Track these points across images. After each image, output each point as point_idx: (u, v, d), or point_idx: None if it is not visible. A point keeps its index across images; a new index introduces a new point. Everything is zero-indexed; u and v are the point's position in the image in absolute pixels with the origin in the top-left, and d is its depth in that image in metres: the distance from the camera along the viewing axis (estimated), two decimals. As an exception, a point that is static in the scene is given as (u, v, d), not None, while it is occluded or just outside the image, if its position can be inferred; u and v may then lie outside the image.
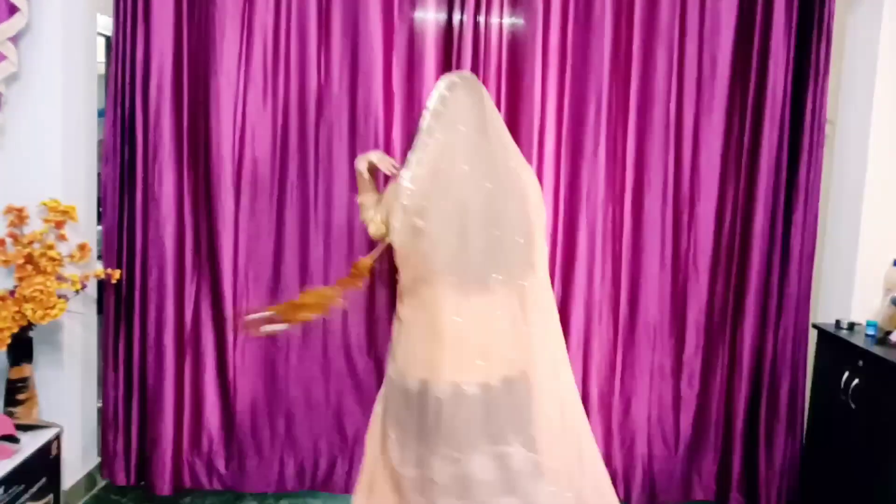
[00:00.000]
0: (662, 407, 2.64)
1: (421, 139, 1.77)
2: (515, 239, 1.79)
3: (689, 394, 2.64)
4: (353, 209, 2.47)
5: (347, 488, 2.52)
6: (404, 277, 1.83)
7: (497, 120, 1.88)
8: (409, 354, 1.80)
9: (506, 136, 1.88)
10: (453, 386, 1.72)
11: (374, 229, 1.94)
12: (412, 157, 1.76)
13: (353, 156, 2.47)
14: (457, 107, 1.76)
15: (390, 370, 1.88)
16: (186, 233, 2.50)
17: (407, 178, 1.76)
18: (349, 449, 2.56)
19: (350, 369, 2.55)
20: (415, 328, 1.80)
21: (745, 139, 2.53)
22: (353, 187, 2.43)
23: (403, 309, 1.84)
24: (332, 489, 2.56)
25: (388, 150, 2.46)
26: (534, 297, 1.84)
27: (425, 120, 1.78)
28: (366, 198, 2.01)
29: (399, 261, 1.81)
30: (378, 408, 1.95)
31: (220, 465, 2.56)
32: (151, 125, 2.43)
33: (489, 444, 1.74)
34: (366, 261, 1.95)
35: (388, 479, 1.87)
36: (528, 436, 1.78)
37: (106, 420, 2.55)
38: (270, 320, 1.92)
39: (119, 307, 2.51)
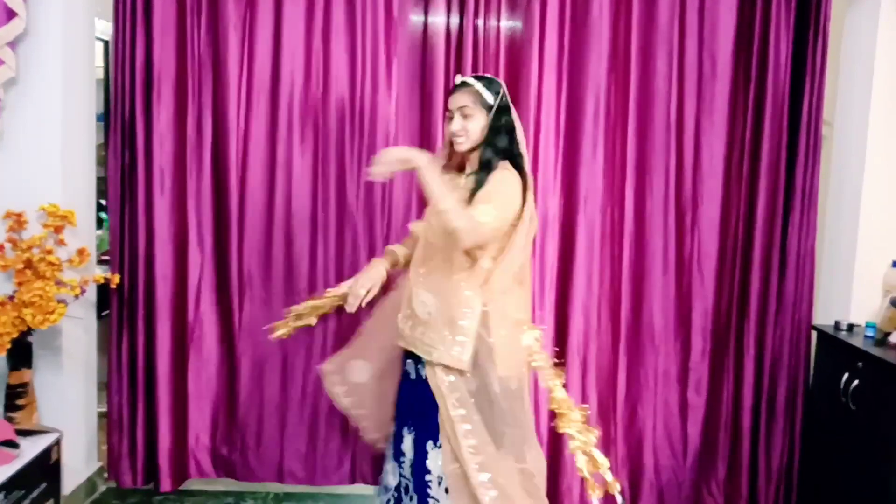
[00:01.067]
0: (669, 415, 2.62)
1: (523, 146, 1.87)
2: None
3: (697, 401, 2.61)
4: (354, 208, 2.50)
5: (353, 480, 2.60)
6: (512, 272, 1.83)
7: None
8: (515, 354, 1.83)
9: None
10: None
11: (494, 228, 1.76)
12: (522, 162, 1.84)
13: (354, 156, 2.50)
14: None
15: (491, 371, 1.80)
16: (190, 236, 2.50)
17: (530, 184, 1.85)
18: (351, 443, 2.56)
19: None
20: (517, 329, 1.85)
21: (747, 140, 2.52)
22: (364, 186, 2.49)
23: (507, 307, 1.82)
24: (338, 482, 2.59)
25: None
26: None
27: (517, 128, 1.86)
28: (452, 200, 1.71)
29: (514, 254, 1.81)
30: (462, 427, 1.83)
31: (224, 457, 2.58)
32: (154, 128, 2.43)
33: None
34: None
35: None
36: None
37: (111, 422, 2.56)
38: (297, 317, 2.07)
39: (122, 310, 2.51)
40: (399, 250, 2.03)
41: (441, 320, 1.79)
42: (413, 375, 1.90)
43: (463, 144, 1.82)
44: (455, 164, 1.94)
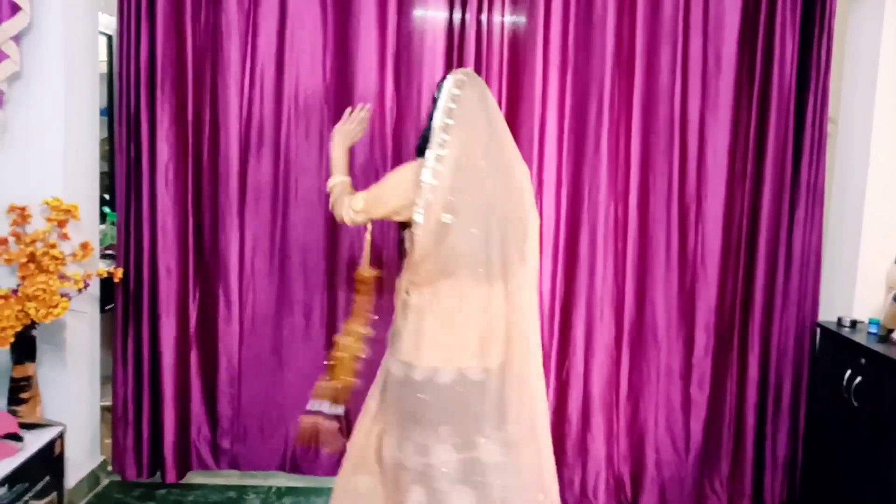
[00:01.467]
0: (671, 411, 2.61)
1: (437, 136, 1.79)
2: (517, 232, 1.87)
3: (700, 397, 2.60)
4: None
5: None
6: (422, 270, 1.83)
7: (499, 114, 1.93)
8: (422, 344, 1.81)
9: (506, 129, 1.94)
10: (459, 372, 1.79)
11: (355, 216, 1.88)
12: (429, 153, 1.78)
13: (357, 151, 2.46)
14: (469, 104, 1.81)
15: (394, 363, 1.86)
16: (191, 230, 2.50)
17: (429, 175, 1.77)
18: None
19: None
20: (428, 318, 1.81)
21: (751, 136, 2.52)
22: (369, 179, 2.43)
23: (412, 299, 1.84)
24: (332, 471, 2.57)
25: (390, 146, 2.49)
26: (520, 288, 1.90)
27: (438, 118, 1.80)
28: (342, 181, 1.97)
29: (419, 255, 1.80)
30: (371, 403, 1.95)
31: (226, 448, 2.59)
32: (158, 122, 2.43)
33: (493, 430, 1.82)
34: (365, 272, 1.99)
35: (375, 471, 1.92)
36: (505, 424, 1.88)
37: (116, 415, 2.56)
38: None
39: (127, 304, 2.51)
40: None
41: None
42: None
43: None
44: None
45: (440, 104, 1.80)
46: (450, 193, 1.76)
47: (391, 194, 1.82)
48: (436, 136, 1.78)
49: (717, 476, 2.60)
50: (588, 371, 2.56)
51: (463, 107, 1.79)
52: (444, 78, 1.86)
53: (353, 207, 1.84)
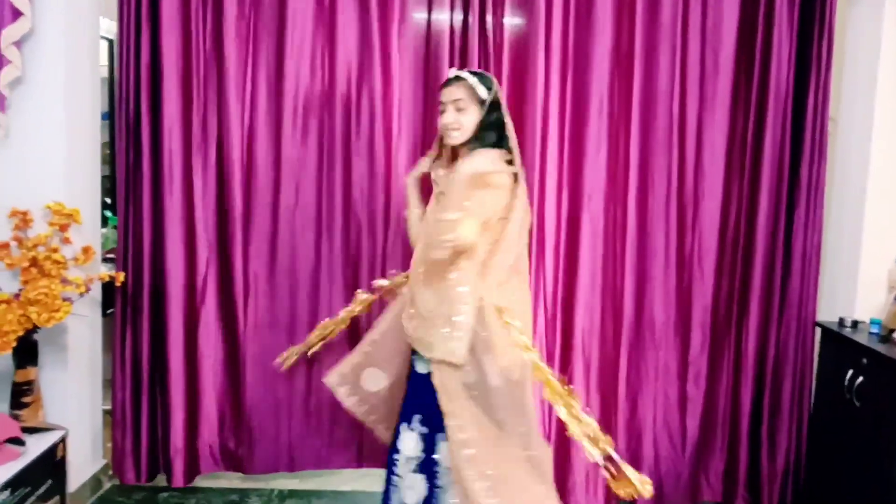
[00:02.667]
0: (668, 407, 2.63)
1: (514, 141, 1.86)
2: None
3: (696, 394, 2.62)
4: (359, 204, 2.52)
5: (360, 465, 2.63)
6: (503, 268, 1.83)
7: None
8: (510, 347, 1.79)
9: None
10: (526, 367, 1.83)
11: (466, 237, 1.76)
12: (503, 151, 1.83)
13: (359, 153, 2.50)
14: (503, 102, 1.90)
15: (492, 373, 1.78)
16: (197, 233, 2.50)
17: (517, 169, 1.84)
18: (357, 437, 2.58)
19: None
20: (513, 320, 1.80)
21: (749, 136, 2.52)
22: (369, 181, 2.51)
23: (493, 301, 1.80)
24: (345, 464, 2.62)
25: (393, 147, 2.49)
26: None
27: (499, 114, 1.85)
28: (413, 213, 2.06)
29: (506, 251, 1.82)
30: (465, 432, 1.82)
31: (231, 452, 2.60)
32: (160, 127, 2.42)
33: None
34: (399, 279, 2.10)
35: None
36: None
37: (115, 420, 2.56)
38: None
39: (126, 308, 2.51)
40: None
41: (439, 317, 1.80)
42: (420, 370, 1.91)
43: (457, 138, 1.82)
44: (447, 157, 1.95)
45: (505, 112, 1.85)
46: (522, 190, 1.86)
47: (491, 202, 1.78)
48: (513, 141, 1.85)
49: (713, 471, 2.63)
50: (587, 368, 2.56)
51: (503, 104, 1.88)
52: (480, 77, 1.86)
53: (464, 234, 1.70)
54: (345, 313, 2.27)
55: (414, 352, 1.92)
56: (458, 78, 1.85)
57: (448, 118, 1.83)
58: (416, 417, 1.90)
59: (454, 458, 1.77)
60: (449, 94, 1.83)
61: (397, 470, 1.93)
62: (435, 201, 1.93)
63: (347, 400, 2.10)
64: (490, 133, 1.82)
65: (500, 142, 1.83)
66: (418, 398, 1.90)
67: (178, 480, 2.53)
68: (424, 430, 1.89)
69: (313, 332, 2.33)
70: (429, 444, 1.88)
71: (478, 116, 1.82)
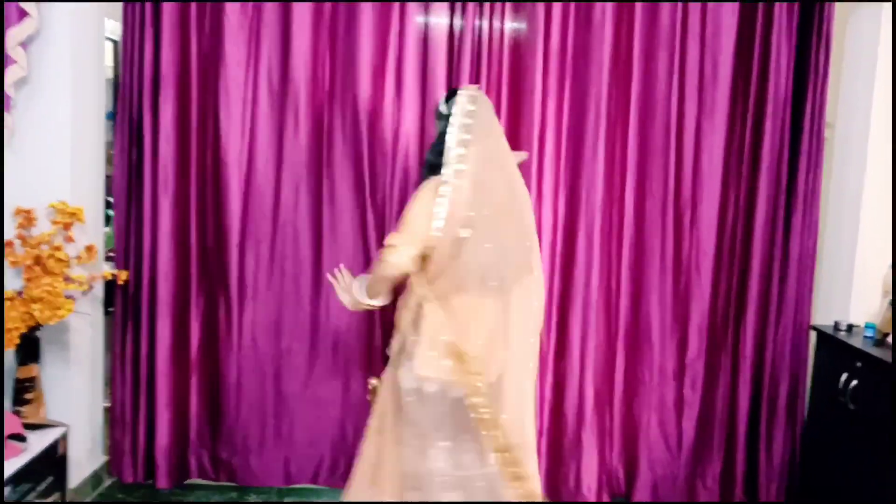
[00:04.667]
0: (664, 410, 2.64)
1: (453, 151, 1.79)
2: (524, 243, 1.90)
3: (692, 397, 2.64)
4: (358, 210, 2.50)
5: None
6: (439, 285, 1.82)
7: (501, 128, 1.97)
8: (435, 359, 1.79)
9: (506, 142, 1.97)
10: (470, 386, 1.78)
11: (394, 254, 1.81)
12: (446, 169, 1.78)
13: (358, 159, 2.49)
14: (482, 119, 1.83)
15: (407, 376, 1.83)
16: (193, 234, 2.49)
17: (448, 190, 1.77)
18: (350, 445, 2.55)
19: (353, 365, 2.55)
20: (443, 332, 1.80)
21: (746, 142, 2.55)
22: (357, 188, 2.49)
23: (426, 313, 1.82)
24: (337, 484, 2.56)
25: (394, 151, 2.48)
26: (529, 297, 1.92)
27: (454, 133, 1.79)
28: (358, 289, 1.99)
29: (435, 270, 1.80)
30: (380, 421, 1.93)
31: (225, 459, 2.57)
32: (161, 128, 2.43)
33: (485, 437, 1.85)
34: None
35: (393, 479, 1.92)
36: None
37: (114, 418, 2.57)
38: None
39: (126, 307, 2.52)
40: None
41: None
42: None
43: None
44: None
45: (455, 120, 1.79)
46: (468, 208, 1.76)
47: (419, 220, 1.78)
48: (452, 151, 1.78)
49: (710, 474, 2.63)
50: (584, 371, 2.58)
51: (478, 122, 1.80)
52: (450, 94, 1.87)
53: (389, 243, 1.78)
54: None
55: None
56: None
57: None
58: None
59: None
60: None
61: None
62: None
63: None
64: (433, 147, 1.87)
65: (437, 157, 1.82)
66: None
67: (163, 482, 2.51)
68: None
69: None
70: None
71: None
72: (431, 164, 1.83)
